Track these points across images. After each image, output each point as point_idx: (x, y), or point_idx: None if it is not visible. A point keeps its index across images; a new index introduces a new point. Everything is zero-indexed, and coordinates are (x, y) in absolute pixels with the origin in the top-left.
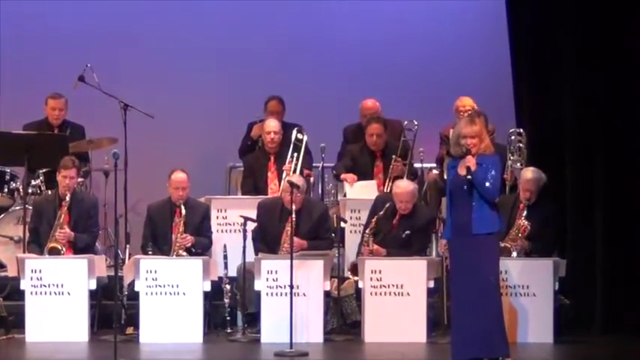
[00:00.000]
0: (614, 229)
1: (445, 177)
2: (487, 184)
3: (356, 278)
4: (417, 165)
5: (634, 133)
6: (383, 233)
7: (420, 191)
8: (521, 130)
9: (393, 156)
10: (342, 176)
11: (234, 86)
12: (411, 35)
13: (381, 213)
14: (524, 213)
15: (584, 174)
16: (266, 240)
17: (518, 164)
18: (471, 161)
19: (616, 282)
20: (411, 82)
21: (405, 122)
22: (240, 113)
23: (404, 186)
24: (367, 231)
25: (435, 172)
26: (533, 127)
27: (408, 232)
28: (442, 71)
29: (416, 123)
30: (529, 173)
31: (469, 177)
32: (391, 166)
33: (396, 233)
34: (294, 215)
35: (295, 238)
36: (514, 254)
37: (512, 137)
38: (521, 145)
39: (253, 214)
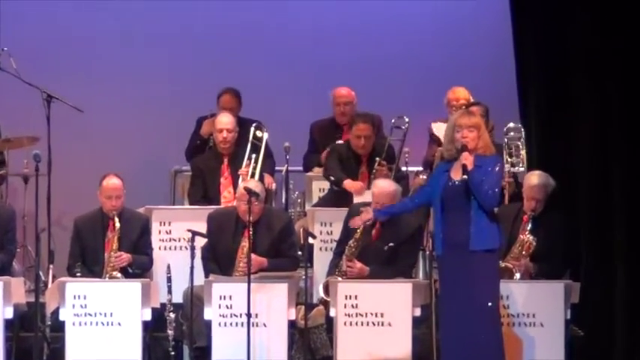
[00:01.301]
0: (638, 247)
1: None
2: (486, 188)
3: (329, 299)
4: (402, 168)
5: None
6: (360, 248)
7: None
8: (519, 126)
9: (377, 159)
10: (347, 184)
11: (182, 77)
12: (392, 18)
13: (370, 223)
14: (529, 226)
15: (602, 179)
16: (218, 259)
17: (520, 167)
18: (467, 158)
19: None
20: (393, 73)
21: (393, 119)
22: (188, 107)
23: (383, 186)
24: (351, 243)
25: (422, 176)
26: (540, 125)
27: (391, 244)
28: (430, 60)
29: (407, 120)
30: (534, 178)
31: (465, 177)
32: (374, 171)
33: (376, 247)
34: (251, 228)
35: (253, 256)
36: (517, 276)
37: (511, 134)
38: (519, 143)
39: (203, 228)
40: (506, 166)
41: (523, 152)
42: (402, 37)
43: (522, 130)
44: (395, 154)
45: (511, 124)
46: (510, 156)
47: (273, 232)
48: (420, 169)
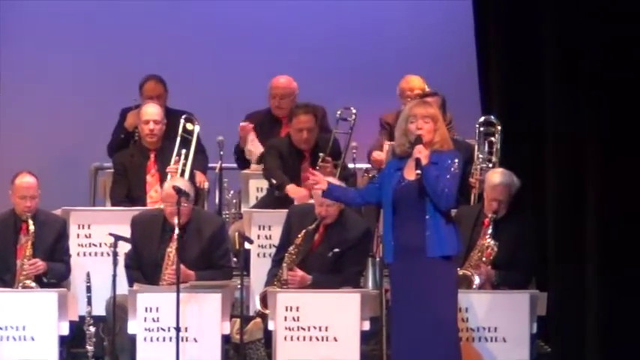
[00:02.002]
0: (613, 252)
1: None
2: (441, 186)
3: (266, 312)
4: (348, 165)
5: (637, 123)
6: (301, 254)
7: None
8: (492, 118)
9: (321, 154)
10: (290, 190)
11: (101, 64)
12: (337, 1)
13: (312, 227)
14: (490, 230)
15: (573, 178)
16: (143, 267)
17: (489, 164)
18: (422, 151)
19: (614, 323)
20: (339, 62)
21: (339, 111)
22: (110, 97)
23: None
24: (291, 249)
25: (370, 176)
26: (504, 119)
27: (336, 249)
28: (380, 47)
29: (354, 111)
30: (496, 177)
31: (418, 172)
32: (317, 168)
33: (319, 253)
34: (177, 231)
35: (182, 269)
36: (476, 280)
37: (482, 128)
38: (493, 139)
39: (127, 232)
40: (476, 163)
41: (497, 149)
42: (350, 23)
43: (497, 123)
44: (341, 150)
45: (484, 118)
46: (482, 152)
47: (203, 238)
48: (369, 166)
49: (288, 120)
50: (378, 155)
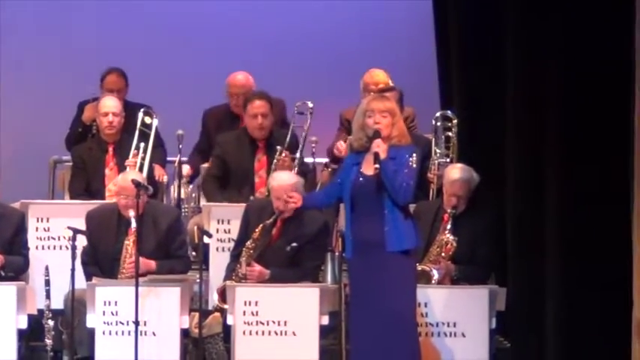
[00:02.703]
0: (572, 248)
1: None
2: (399, 180)
3: (225, 307)
4: (307, 160)
5: (601, 113)
6: (259, 249)
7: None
8: (449, 113)
9: (278, 147)
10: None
11: (60, 55)
12: None
13: (270, 221)
14: (449, 226)
15: (533, 171)
16: (100, 263)
17: (447, 159)
18: (380, 145)
19: (574, 319)
20: (299, 54)
21: (298, 104)
22: (68, 90)
23: (282, 179)
24: (248, 244)
25: (333, 167)
26: (464, 110)
27: (294, 244)
28: (342, 41)
29: (310, 105)
30: (455, 172)
31: (376, 166)
32: (275, 162)
33: (277, 246)
34: (134, 224)
35: (140, 259)
36: (435, 274)
37: (439, 123)
38: (450, 134)
39: (85, 226)
40: (434, 158)
41: (455, 144)
42: (309, 16)
43: (453, 117)
44: (299, 143)
45: (440, 113)
46: (439, 147)
47: (159, 229)
48: (327, 160)
49: (243, 108)
50: (340, 145)
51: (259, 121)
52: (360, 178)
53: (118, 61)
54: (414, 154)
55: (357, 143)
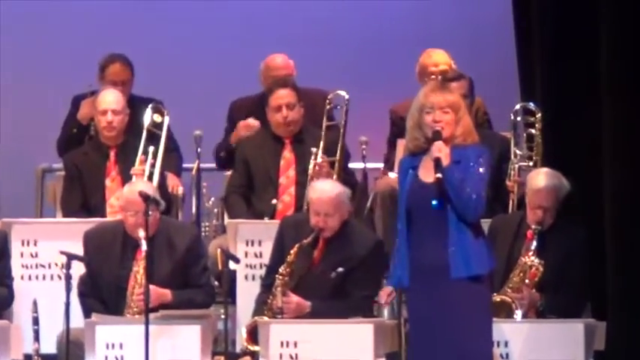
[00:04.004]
0: None
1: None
2: (468, 190)
3: (256, 349)
4: (355, 165)
5: None
6: (297, 275)
7: (360, 206)
8: (532, 105)
9: (313, 150)
10: None
11: (49, 42)
12: None
13: (308, 240)
14: (534, 245)
15: (636, 178)
16: (102, 294)
17: (530, 162)
18: (442, 149)
19: None
20: (340, 40)
21: (330, 95)
22: (60, 82)
23: (323, 189)
24: (282, 270)
25: (391, 174)
26: (550, 109)
27: (340, 269)
28: (389, 19)
29: (346, 96)
30: (540, 179)
31: (438, 176)
32: (311, 168)
33: (319, 273)
34: (144, 246)
35: (152, 287)
36: (518, 313)
37: (519, 118)
38: (533, 131)
39: (82, 250)
40: (513, 161)
41: (540, 144)
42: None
43: (537, 111)
44: (337, 144)
45: (520, 105)
46: (520, 149)
47: (176, 253)
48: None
49: (266, 103)
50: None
51: (284, 113)
52: (417, 187)
53: (119, 46)
54: (484, 156)
55: (412, 144)
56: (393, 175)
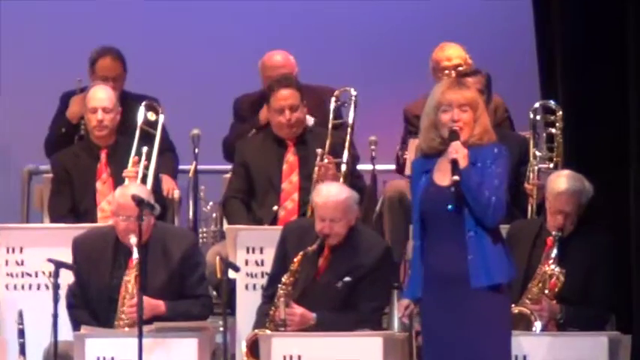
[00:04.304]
0: None
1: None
2: (487, 194)
3: None
4: (363, 167)
5: None
6: (301, 285)
7: (369, 212)
8: (553, 103)
9: (319, 151)
10: None
11: (36, 35)
12: None
13: (312, 248)
14: (554, 253)
15: None
16: (92, 305)
17: (550, 164)
18: (459, 150)
19: None
20: (348, 36)
21: (337, 92)
22: (47, 79)
23: (329, 193)
24: (284, 279)
25: (406, 177)
26: (572, 107)
27: (347, 278)
28: (401, 14)
29: (354, 93)
30: (561, 182)
31: (456, 178)
32: (316, 169)
33: (325, 282)
34: (136, 254)
35: (145, 298)
36: (537, 326)
37: (538, 117)
38: (553, 130)
39: (70, 257)
40: (532, 162)
41: (560, 143)
42: None
43: (558, 110)
44: (344, 145)
45: (540, 103)
46: (540, 149)
47: (170, 260)
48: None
49: (266, 101)
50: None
51: (287, 116)
52: (432, 190)
53: (114, 40)
54: (502, 155)
55: (426, 144)
56: (408, 173)
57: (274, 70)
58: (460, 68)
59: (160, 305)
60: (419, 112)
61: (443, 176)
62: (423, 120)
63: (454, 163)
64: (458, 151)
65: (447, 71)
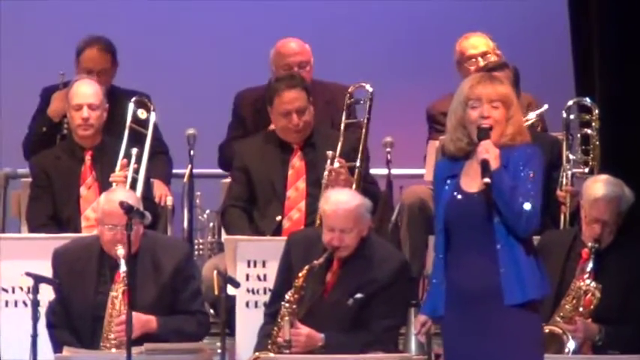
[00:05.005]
0: None
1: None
2: (520, 200)
3: None
4: (378, 171)
5: None
6: (307, 302)
7: (384, 220)
8: (588, 101)
9: (330, 153)
10: None
11: (16, 25)
12: None
13: (319, 261)
14: (590, 266)
15: None
16: (75, 323)
17: (585, 168)
18: (490, 150)
19: None
20: (366, 29)
21: (351, 88)
22: (26, 73)
23: (339, 200)
24: (289, 296)
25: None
26: (609, 105)
27: (358, 295)
28: (428, 6)
29: (369, 89)
30: (598, 187)
31: (487, 181)
32: (326, 174)
33: (334, 299)
34: (124, 267)
35: (134, 315)
36: (571, 346)
37: (572, 116)
38: (589, 131)
39: (51, 271)
40: (566, 167)
41: (597, 146)
42: None
43: (595, 108)
44: (357, 147)
45: (574, 100)
46: (574, 152)
47: (162, 274)
48: (416, 171)
49: (268, 102)
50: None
51: (295, 121)
52: (459, 197)
53: (103, 32)
54: (536, 156)
55: (453, 144)
56: (429, 178)
57: (290, 58)
58: (489, 56)
59: (151, 321)
60: (445, 110)
61: (471, 182)
62: (450, 118)
63: (484, 163)
64: (489, 151)
65: (473, 59)
